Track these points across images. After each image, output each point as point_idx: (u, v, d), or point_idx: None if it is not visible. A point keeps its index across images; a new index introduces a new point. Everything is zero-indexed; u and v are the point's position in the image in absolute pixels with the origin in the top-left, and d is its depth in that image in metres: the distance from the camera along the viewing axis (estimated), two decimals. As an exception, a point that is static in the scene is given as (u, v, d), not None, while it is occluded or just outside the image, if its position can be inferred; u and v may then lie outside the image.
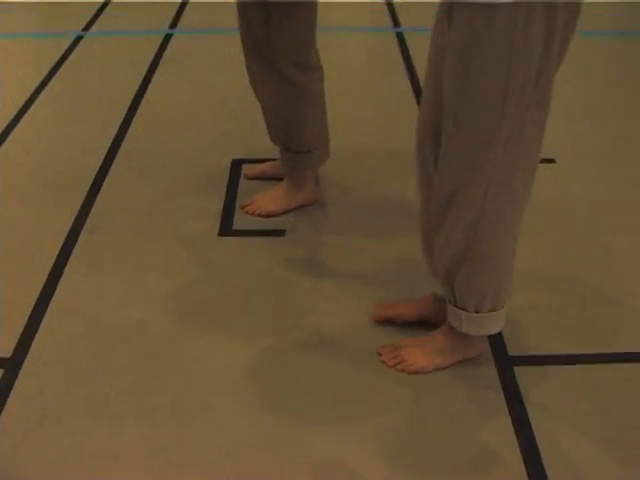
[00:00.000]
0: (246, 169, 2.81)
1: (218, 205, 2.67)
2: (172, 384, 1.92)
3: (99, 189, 2.75)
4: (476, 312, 1.85)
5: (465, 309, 1.85)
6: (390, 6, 4.63)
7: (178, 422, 1.81)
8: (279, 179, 2.66)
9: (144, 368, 1.97)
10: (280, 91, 2.41)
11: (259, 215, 2.58)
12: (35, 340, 2.09)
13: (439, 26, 1.67)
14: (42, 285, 2.28)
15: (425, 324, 2.05)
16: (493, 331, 1.92)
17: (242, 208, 2.63)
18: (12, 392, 1.91)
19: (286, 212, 2.61)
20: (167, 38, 4.11)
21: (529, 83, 1.54)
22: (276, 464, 1.70)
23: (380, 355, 1.98)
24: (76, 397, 1.89)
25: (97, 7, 4.63)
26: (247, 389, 1.90)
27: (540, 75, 1.54)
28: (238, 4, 2.34)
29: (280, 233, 2.53)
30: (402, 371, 1.93)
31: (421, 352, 1.95)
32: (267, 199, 2.62)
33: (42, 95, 3.49)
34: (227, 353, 2.02)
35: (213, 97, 3.47)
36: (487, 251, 1.76)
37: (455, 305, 1.87)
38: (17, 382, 1.94)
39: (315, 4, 2.34)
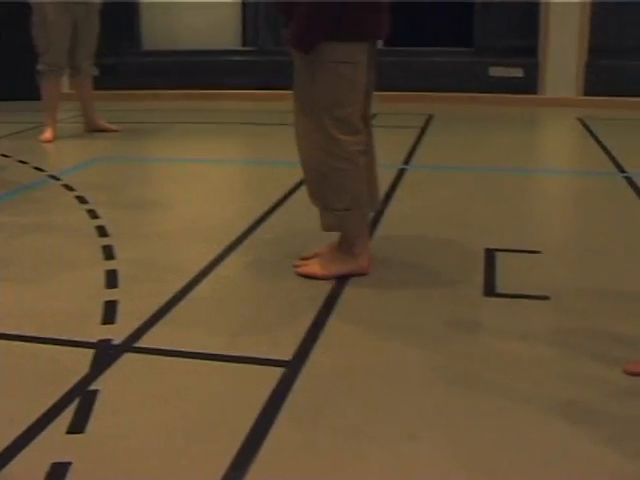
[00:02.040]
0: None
1: (479, 276, 2.71)
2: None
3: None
4: None
5: None
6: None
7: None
8: None
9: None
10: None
11: (309, 276, 2.68)
12: (313, 349, 2.16)
13: None
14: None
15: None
16: None
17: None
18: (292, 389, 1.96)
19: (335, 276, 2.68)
20: (401, 171, 4.32)
21: None
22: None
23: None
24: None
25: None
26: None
27: None
28: None
29: (543, 298, 2.51)
30: None
31: None
32: (317, 262, 2.72)
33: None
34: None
35: (450, 206, 3.59)
36: None
37: None
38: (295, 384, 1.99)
39: None
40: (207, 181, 4.25)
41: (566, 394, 1.92)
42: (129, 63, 7.59)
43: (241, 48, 7.79)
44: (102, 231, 3.25)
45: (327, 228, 2.71)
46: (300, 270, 2.71)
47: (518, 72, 6.82)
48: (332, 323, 2.34)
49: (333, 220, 2.66)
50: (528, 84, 6.80)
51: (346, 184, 2.60)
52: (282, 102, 6.79)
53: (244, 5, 7.73)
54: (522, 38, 6.87)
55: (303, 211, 3.41)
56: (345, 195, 2.60)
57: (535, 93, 6.81)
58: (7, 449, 1.68)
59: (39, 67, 5.39)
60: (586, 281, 2.72)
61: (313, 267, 2.71)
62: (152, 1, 7.76)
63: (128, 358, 2.13)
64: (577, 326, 2.34)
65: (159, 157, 5.06)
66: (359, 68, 2.54)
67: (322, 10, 2.41)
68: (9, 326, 2.33)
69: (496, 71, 6.89)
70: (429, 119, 6.11)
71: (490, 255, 2.93)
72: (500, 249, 2.99)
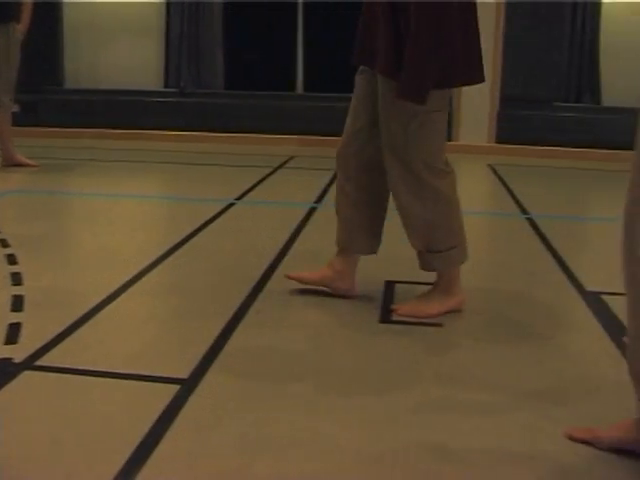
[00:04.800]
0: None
1: (369, 305, 2.82)
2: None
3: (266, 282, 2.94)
4: None
5: None
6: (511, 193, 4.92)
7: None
8: None
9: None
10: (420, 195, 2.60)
11: (414, 317, 2.68)
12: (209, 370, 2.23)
13: None
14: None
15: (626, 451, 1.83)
16: None
17: (394, 311, 2.75)
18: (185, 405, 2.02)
19: (440, 315, 2.70)
20: (312, 209, 4.43)
21: None
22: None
23: None
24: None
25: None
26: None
27: None
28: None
29: (438, 325, 2.63)
30: None
31: None
32: (420, 302, 2.74)
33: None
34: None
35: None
36: None
37: None
38: (190, 398, 2.06)
39: None
40: (117, 215, 4.30)
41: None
42: (50, 100, 7.60)
43: (163, 89, 7.88)
44: (11, 259, 3.27)
45: (431, 268, 2.72)
46: (403, 312, 2.70)
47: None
48: (229, 347, 2.41)
49: (438, 261, 2.67)
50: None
51: (449, 224, 2.65)
52: (200, 144, 7.01)
53: (167, 47, 7.83)
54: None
55: (217, 243, 3.52)
56: (450, 236, 2.65)
57: (449, 140, 7.02)
58: None
59: (-45, 100, 5.39)
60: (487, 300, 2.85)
61: (418, 308, 2.71)
62: (76, 39, 7.82)
63: (27, 375, 2.16)
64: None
65: (73, 191, 5.10)
66: (445, 115, 2.61)
67: (435, 55, 2.41)
68: None
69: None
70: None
71: (390, 286, 3.04)
72: (400, 281, 3.10)
